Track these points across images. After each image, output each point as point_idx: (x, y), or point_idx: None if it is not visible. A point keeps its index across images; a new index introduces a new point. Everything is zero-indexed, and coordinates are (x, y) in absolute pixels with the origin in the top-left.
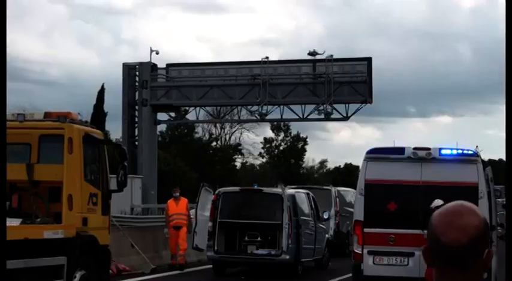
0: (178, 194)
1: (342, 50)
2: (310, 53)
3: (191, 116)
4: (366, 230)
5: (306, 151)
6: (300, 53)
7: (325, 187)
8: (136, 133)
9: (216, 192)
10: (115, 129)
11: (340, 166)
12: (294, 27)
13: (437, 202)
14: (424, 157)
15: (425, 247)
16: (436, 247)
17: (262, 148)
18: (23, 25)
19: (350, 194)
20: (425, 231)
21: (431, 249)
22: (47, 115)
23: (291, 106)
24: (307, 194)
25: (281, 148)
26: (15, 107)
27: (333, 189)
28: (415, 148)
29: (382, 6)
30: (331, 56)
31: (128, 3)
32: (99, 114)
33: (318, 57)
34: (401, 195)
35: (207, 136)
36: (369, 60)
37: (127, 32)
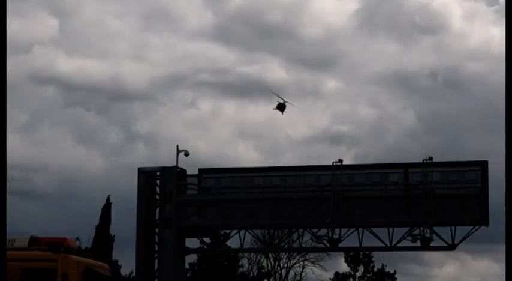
0: None
1: (444, 150)
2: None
3: (233, 242)
4: None
5: None
6: (385, 154)
7: None
8: (156, 266)
9: None
10: (126, 259)
11: None
12: (375, 118)
13: None
14: None
15: None
16: None
17: None
18: None
19: None
20: None
21: None
22: (33, 242)
23: (374, 229)
24: None
25: None
26: None
27: None
28: None
29: (498, 87)
30: (431, 158)
31: (143, 84)
32: (104, 239)
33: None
34: None
35: (255, 271)
36: (483, 164)
37: (142, 124)
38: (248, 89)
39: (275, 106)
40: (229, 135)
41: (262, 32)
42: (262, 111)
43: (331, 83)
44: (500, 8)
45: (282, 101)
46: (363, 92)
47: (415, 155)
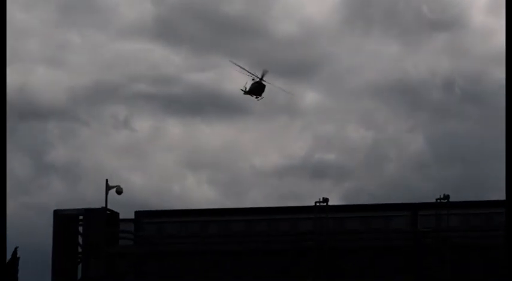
0: None
1: (464, 186)
2: None
3: None
4: None
5: None
6: (384, 190)
7: None
8: None
9: None
10: None
11: None
12: (370, 142)
13: None
14: None
15: None
16: None
17: None
18: None
19: None
20: None
21: None
22: None
23: None
24: None
25: None
26: None
27: None
28: None
29: None
30: (446, 197)
31: (59, 97)
32: None
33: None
34: None
35: None
36: None
37: (59, 151)
38: (200, 104)
39: (244, 87)
40: (176, 166)
41: (218, 28)
42: (218, 132)
43: (311, 96)
44: None
45: (257, 79)
46: (354, 107)
47: (426, 193)
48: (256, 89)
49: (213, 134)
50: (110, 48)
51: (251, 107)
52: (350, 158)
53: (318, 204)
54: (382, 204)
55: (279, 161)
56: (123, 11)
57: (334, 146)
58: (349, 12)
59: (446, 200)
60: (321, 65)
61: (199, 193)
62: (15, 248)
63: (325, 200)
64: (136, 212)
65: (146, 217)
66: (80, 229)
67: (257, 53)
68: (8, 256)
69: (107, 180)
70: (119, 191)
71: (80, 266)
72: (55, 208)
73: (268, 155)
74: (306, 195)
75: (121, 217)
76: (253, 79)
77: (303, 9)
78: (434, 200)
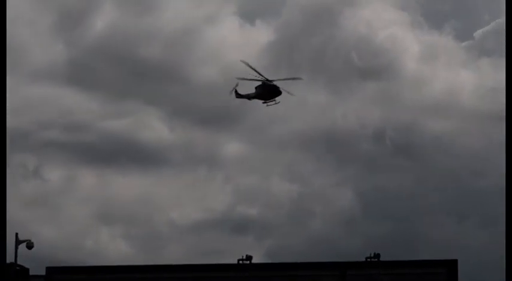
0: None
1: (395, 244)
2: None
3: None
4: None
5: None
6: (311, 248)
7: None
8: None
9: None
10: None
11: None
12: (296, 196)
13: None
14: None
15: None
16: None
17: None
18: None
19: None
20: None
21: None
22: None
23: None
24: None
25: None
26: None
27: None
28: None
29: (468, 153)
30: (377, 256)
31: None
32: None
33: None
34: None
35: None
36: (450, 265)
37: None
38: (115, 153)
39: (234, 89)
40: (89, 219)
41: (135, 72)
42: (134, 183)
43: (233, 146)
44: (475, 44)
45: (262, 78)
46: (278, 159)
47: (355, 251)
48: (267, 92)
49: (128, 185)
50: (18, 93)
51: (169, 156)
52: (274, 213)
53: (240, 262)
54: (309, 262)
55: (199, 215)
56: (33, 52)
57: (257, 200)
58: (274, 58)
59: (376, 259)
60: (244, 113)
61: (114, 248)
62: None
63: (249, 257)
64: (47, 268)
65: (58, 273)
66: None
67: (176, 99)
68: None
69: (16, 234)
70: (30, 246)
71: None
72: None
73: (187, 208)
74: (227, 252)
75: (31, 273)
76: (263, 82)
77: (225, 54)
78: (364, 259)
